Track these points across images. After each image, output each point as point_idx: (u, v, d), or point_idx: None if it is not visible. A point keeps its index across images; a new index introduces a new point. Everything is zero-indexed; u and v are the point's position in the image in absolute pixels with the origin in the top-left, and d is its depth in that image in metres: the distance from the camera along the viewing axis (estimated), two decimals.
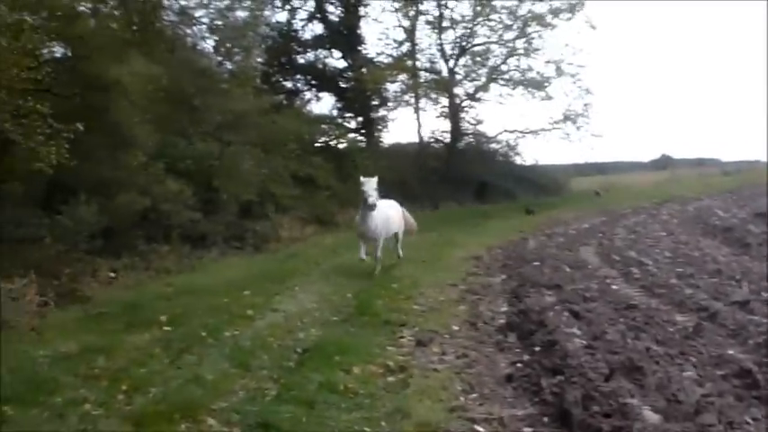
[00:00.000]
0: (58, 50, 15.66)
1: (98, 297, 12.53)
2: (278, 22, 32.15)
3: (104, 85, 14.57)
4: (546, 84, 34.76)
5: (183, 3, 21.04)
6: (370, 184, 12.64)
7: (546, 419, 5.29)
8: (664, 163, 55.94)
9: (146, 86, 15.19)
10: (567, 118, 34.97)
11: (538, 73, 34.89)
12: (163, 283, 13.49)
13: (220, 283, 12.80)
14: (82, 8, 16.01)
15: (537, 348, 7.15)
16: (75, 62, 15.04)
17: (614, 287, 10.62)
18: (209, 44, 22.72)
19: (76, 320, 10.64)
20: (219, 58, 22.63)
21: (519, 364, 6.73)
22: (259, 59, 24.03)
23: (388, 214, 13.66)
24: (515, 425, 5.23)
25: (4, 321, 10.37)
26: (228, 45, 22.13)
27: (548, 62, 34.69)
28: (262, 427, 5.21)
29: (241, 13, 22.35)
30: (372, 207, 12.56)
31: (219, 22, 21.76)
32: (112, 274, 14.00)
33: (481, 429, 5.10)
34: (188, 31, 21.67)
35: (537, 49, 34.59)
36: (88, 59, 14.68)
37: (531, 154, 51.51)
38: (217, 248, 17.70)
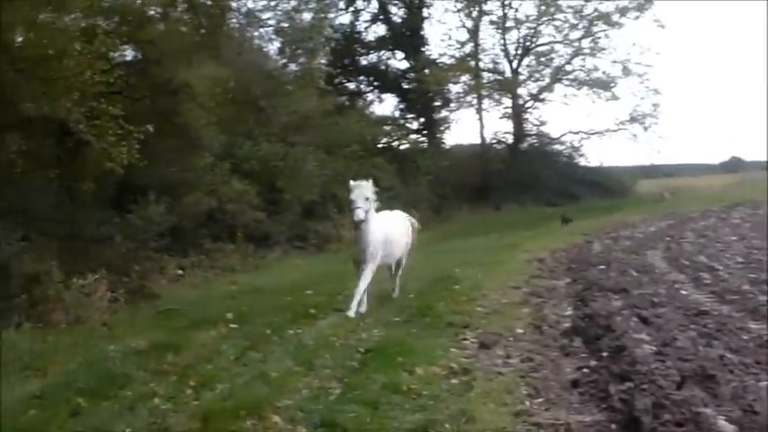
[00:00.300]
0: (130, 54, 16.14)
1: (166, 294, 12.88)
2: (341, 24, 32.46)
3: (173, 87, 14.95)
4: (612, 84, 34.32)
5: (250, 5, 21.44)
6: (360, 191, 9.48)
7: (614, 427, 5.14)
8: (734, 165, 54.29)
9: (213, 89, 15.54)
10: (634, 119, 34.39)
11: (604, 73, 34.48)
12: (228, 281, 13.75)
13: (283, 282, 12.98)
14: (152, 12, 16.46)
15: (604, 354, 6.97)
16: (145, 65, 15.48)
17: (683, 292, 10.30)
18: (274, 46, 23.08)
19: (145, 317, 10.94)
20: (284, 61, 22.95)
21: (585, 370, 6.57)
22: (323, 61, 24.29)
23: (390, 234, 10.30)
24: (582, 431, 5.12)
25: (76, 317, 10.77)
26: (294, 47, 22.42)
27: (614, 62, 34.15)
28: (326, 426, 5.21)
29: (307, 16, 22.63)
30: (358, 224, 9.46)
31: (286, 25, 22.06)
32: (180, 272, 14.40)
33: None
34: (255, 33, 22.05)
35: (603, 49, 34.24)
36: (158, 63, 15.09)
37: (595, 155, 50.53)
38: (280, 248, 18.00)
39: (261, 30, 22.21)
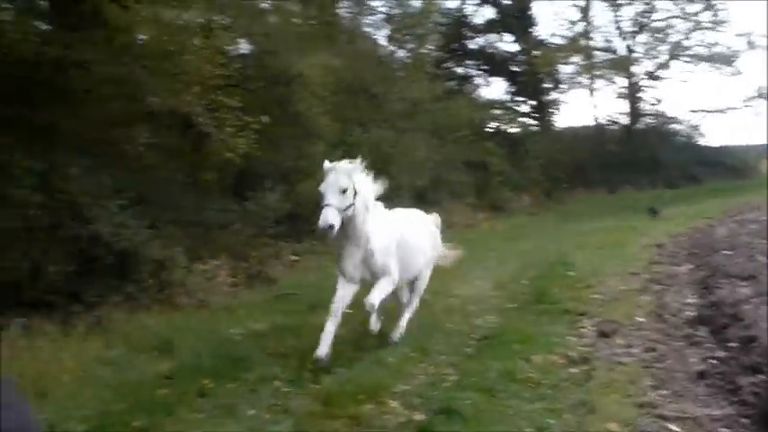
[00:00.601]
0: (245, 47, 16.61)
1: (282, 279, 13.24)
2: (449, 9, 32.26)
3: (287, 78, 15.29)
4: (734, 58, 32.54)
5: None
6: (335, 178, 6.30)
7: (745, 421, 4.92)
8: None
9: (326, 78, 15.78)
10: (759, 94, 32.56)
11: (726, 47, 32.70)
12: None
13: None
14: (265, 5, 16.88)
15: (732, 344, 6.67)
16: (260, 57, 15.89)
17: None
18: (383, 33, 23.28)
19: (264, 301, 11.30)
20: (394, 47, 23.09)
21: (712, 361, 6.31)
22: (432, 46, 24.24)
23: (407, 237, 7.57)
24: (711, 425, 4.90)
25: (199, 300, 11.25)
26: (403, 33, 22.51)
27: (738, 35, 32.45)
28: (444, 412, 5.23)
29: (416, 2, 22.69)
30: (325, 232, 6.22)
31: (396, 11, 22.19)
32: (295, 258, 14.73)
33: (674, 428, 4.82)
34: (365, 21, 22.30)
35: (724, 22, 32.41)
36: (272, 54, 15.46)
37: (717, 134, 48.18)
38: None
39: (371, 17, 22.48)
